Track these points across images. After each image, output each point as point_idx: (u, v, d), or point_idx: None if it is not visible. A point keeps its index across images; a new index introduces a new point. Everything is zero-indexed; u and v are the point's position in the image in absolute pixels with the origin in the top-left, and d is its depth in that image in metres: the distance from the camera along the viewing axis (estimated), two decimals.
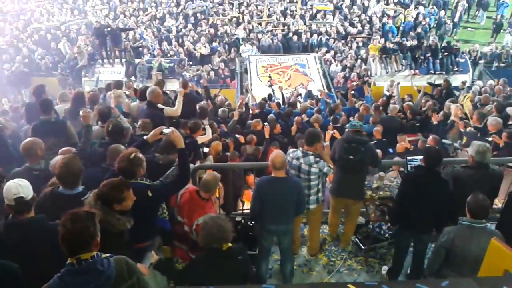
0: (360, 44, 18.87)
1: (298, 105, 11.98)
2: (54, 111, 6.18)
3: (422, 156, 5.32)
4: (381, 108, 10.18)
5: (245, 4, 22.24)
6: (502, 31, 20.45)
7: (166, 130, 4.20)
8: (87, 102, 7.14)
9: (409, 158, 5.52)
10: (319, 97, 12.48)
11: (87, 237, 2.62)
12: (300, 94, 14.46)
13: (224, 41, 19.08)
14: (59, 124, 5.82)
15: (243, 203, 6.57)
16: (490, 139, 7.04)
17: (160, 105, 6.65)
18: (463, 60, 17.86)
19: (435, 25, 20.36)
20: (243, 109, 10.07)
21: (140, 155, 3.91)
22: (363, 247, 5.67)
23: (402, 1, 22.40)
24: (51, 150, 4.96)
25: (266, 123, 8.50)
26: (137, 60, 17.40)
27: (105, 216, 3.17)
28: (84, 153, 4.84)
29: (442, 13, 21.07)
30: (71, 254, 2.60)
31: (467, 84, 13.96)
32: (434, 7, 21.65)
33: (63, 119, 6.21)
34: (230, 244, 3.45)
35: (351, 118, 9.07)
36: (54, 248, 2.79)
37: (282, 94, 12.65)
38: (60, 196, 3.69)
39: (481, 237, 3.79)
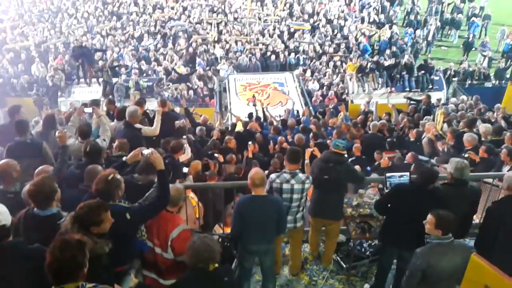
0: (338, 63, 19.15)
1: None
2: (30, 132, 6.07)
3: (400, 173, 5.42)
4: (359, 125, 10.31)
5: (223, 23, 22.38)
6: (473, 49, 21.05)
7: (146, 151, 4.14)
8: (63, 122, 7.04)
9: (388, 174, 5.56)
10: (303, 114, 12.59)
11: (75, 267, 2.56)
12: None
13: (204, 59, 19.15)
14: (34, 145, 5.70)
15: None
16: (466, 155, 7.16)
17: (138, 125, 6.58)
18: (437, 78, 18.26)
19: (411, 44, 20.80)
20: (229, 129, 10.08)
21: (118, 176, 3.85)
22: (344, 266, 5.66)
23: (378, 21, 22.89)
24: (26, 172, 4.85)
25: (250, 142, 8.52)
26: (114, 80, 17.28)
27: None
28: (60, 173, 4.75)
29: (418, 32, 21.61)
30: (56, 283, 2.54)
31: (442, 101, 14.27)
32: (411, 28, 22.15)
33: (38, 140, 6.08)
34: (216, 265, 3.38)
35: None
36: (33, 274, 2.72)
37: (264, 111, 12.73)
38: (34, 217, 3.60)
39: (451, 253, 3.85)
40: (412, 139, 9.22)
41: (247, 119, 11.70)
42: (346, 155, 5.74)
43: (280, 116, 13.54)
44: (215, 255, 3.35)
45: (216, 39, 21.11)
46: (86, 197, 3.76)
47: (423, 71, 18.09)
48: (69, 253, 2.54)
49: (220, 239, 4.88)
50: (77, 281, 2.56)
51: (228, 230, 5.90)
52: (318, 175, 5.35)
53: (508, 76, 18.59)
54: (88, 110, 6.66)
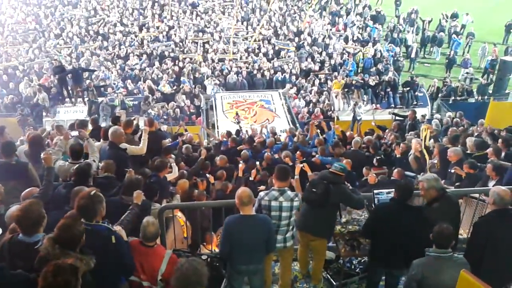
0: (323, 80, 19.34)
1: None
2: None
3: (388, 190, 5.42)
4: (340, 143, 10.37)
5: (210, 42, 22.50)
6: (455, 65, 21.47)
7: None
8: (48, 143, 6.95)
9: (375, 191, 5.57)
10: (286, 134, 12.58)
11: None
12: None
13: (190, 78, 19.16)
14: (20, 167, 5.61)
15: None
16: (452, 171, 7.22)
17: (123, 144, 6.53)
18: (421, 94, 18.55)
19: (390, 62, 21.07)
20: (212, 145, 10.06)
21: (100, 194, 3.84)
22: (334, 283, 5.63)
23: (362, 39, 23.24)
24: (11, 194, 4.78)
25: (241, 162, 8.50)
26: (100, 99, 17.20)
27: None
28: (46, 196, 4.67)
29: (397, 50, 21.99)
30: None
31: (427, 117, 14.45)
32: (392, 45, 22.52)
33: (24, 161, 5.98)
34: None
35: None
36: None
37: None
38: (19, 243, 3.50)
39: (449, 267, 3.84)
40: (398, 155, 9.28)
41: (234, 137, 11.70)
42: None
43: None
44: (203, 279, 3.29)
45: (202, 58, 21.18)
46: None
47: (408, 88, 18.36)
48: (61, 278, 2.51)
49: (209, 259, 4.84)
50: None
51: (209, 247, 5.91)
52: (308, 187, 5.38)
53: (490, 92, 18.93)
54: (75, 133, 6.56)
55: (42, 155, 5.02)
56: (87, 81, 17.71)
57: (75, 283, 2.56)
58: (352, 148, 9.64)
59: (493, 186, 5.89)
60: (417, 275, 3.92)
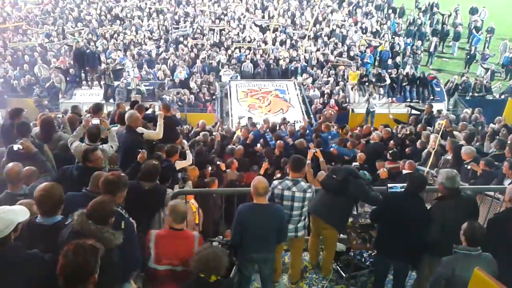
0: (340, 72, 19.17)
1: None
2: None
3: (402, 184, 5.38)
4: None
5: (226, 30, 22.42)
6: (474, 62, 21.13)
7: None
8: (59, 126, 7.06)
9: (389, 185, 5.53)
10: (304, 124, 12.51)
11: (86, 272, 2.58)
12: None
13: (205, 65, 19.14)
14: (36, 147, 5.66)
15: None
16: (468, 167, 7.13)
17: (140, 129, 6.56)
18: (438, 89, 18.29)
19: (411, 55, 20.79)
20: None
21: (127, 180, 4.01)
22: (344, 275, 5.62)
23: (381, 31, 22.96)
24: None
25: (266, 159, 8.50)
26: (116, 83, 17.27)
27: (102, 234, 3.17)
28: (50, 173, 4.92)
29: (419, 43, 21.64)
30: (66, 287, 2.55)
31: (444, 112, 14.28)
32: (411, 38, 22.20)
33: (40, 142, 6.02)
34: (219, 277, 3.36)
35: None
36: (30, 279, 2.76)
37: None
38: (39, 226, 3.50)
39: (477, 264, 3.78)
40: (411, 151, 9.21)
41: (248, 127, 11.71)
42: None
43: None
44: (221, 267, 3.34)
45: (218, 45, 21.13)
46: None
47: (421, 86, 18.12)
48: (81, 258, 2.56)
49: (220, 246, 4.86)
50: (87, 287, 2.58)
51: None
52: (329, 173, 5.45)
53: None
54: (96, 121, 6.53)
55: (20, 144, 5.13)
56: (104, 65, 17.78)
57: (94, 264, 2.61)
58: (372, 141, 9.59)
59: (509, 184, 5.82)
60: (447, 274, 3.86)
